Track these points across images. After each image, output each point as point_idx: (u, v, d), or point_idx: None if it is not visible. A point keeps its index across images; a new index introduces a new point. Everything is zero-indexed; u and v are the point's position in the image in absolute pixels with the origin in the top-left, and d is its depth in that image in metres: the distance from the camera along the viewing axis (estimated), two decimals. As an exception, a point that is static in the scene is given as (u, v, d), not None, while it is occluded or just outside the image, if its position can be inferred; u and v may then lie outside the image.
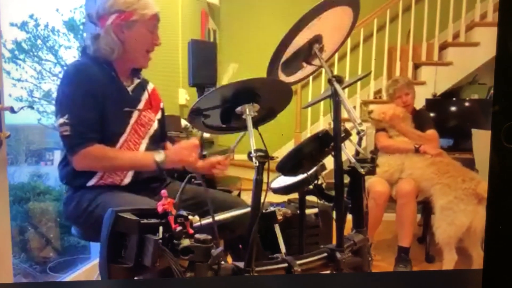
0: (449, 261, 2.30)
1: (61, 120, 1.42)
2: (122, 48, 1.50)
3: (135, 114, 1.56)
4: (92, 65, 1.49)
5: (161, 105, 1.70)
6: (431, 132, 2.67)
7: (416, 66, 3.88)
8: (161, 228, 0.99)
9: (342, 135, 1.24)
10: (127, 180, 1.50)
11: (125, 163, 1.49)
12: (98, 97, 1.46)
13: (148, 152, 1.51)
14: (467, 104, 3.63)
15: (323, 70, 1.29)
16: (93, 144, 1.43)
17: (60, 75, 2.45)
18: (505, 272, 0.87)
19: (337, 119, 1.21)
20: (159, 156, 1.45)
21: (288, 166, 1.28)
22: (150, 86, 1.68)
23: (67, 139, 1.43)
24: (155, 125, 1.62)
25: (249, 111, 1.14)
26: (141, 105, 1.59)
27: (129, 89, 1.58)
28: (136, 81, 1.61)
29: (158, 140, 1.66)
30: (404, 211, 2.46)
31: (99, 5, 1.49)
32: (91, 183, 1.48)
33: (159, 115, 1.66)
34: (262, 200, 1.12)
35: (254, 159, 1.07)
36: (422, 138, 2.61)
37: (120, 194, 1.45)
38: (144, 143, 1.56)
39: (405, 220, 2.46)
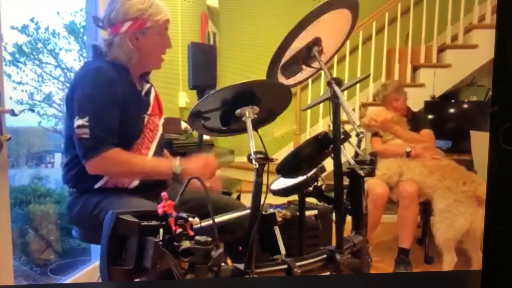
0: (448, 263, 2.30)
1: (80, 122, 1.38)
2: (138, 55, 1.49)
3: (146, 119, 1.56)
4: (111, 68, 1.48)
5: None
6: (426, 132, 2.66)
7: (415, 68, 3.89)
8: (161, 230, 1.00)
9: (342, 137, 1.24)
10: (135, 182, 1.49)
11: (144, 169, 1.47)
12: (119, 101, 1.45)
13: (167, 160, 1.50)
14: (465, 106, 3.63)
15: (323, 72, 1.30)
16: (111, 148, 1.41)
17: (61, 78, 2.46)
18: (504, 273, 0.87)
19: (336, 121, 1.21)
20: (177, 167, 1.44)
21: (287, 168, 1.28)
22: (153, 90, 1.68)
23: (84, 142, 1.39)
24: (160, 130, 1.62)
25: (248, 113, 1.14)
26: (150, 110, 1.59)
27: (142, 93, 1.58)
28: (146, 85, 1.61)
29: (163, 145, 1.65)
30: (406, 212, 2.45)
31: (109, 11, 1.48)
32: (98, 184, 1.47)
33: (162, 120, 1.66)
34: (262, 202, 1.12)
35: (253, 161, 1.08)
36: (417, 138, 2.61)
37: (125, 198, 1.44)
38: (153, 148, 1.56)
39: (407, 221, 2.46)
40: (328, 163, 1.31)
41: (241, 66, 3.76)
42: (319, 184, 1.37)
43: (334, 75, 1.24)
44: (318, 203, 1.40)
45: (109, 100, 1.43)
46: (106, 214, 1.34)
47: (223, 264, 1.06)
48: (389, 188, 2.55)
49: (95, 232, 1.48)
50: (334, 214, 1.24)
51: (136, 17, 1.46)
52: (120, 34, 1.47)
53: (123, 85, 1.48)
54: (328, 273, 1.22)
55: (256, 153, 1.08)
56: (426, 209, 2.63)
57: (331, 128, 1.23)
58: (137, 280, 1.06)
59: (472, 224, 2.25)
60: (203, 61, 2.46)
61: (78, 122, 1.39)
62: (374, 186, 2.52)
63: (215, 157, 1.56)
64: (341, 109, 1.22)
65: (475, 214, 2.26)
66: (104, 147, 1.39)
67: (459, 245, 2.33)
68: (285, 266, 1.16)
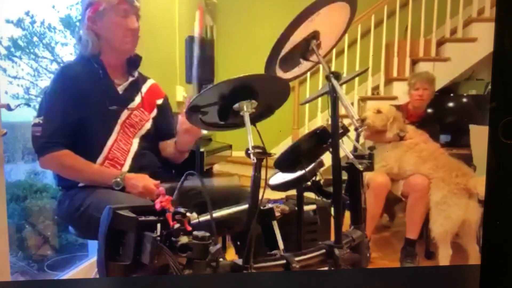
0: (444, 256, 2.31)
1: (36, 120, 1.44)
2: (97, 40, 1.49)
3: (124, 114, 1.54)
4: (80, 65, 1.49)
5: (159, 102, 1.67)
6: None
7: (414, 62, 3.88)
8: (159, 226, 0.99)
9: (340, 131, 1.24)
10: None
11: (88, 176, 1.47)
12: (78, 99, 1.45)
13: (112, 171, 1.48)
14: (464, 100, 3.63)
15: (321, 66, 1.29)
16: (60, 150, 1.43)
17: (57, 72, 2.44)
18: (503, 267, 0.87)
19: (335, 115, 1.21)
20: (119, 182, 1.44)
21: (286, 162, 1.28)
22: (147, 84, 1.65)
23: (37, 140, 1.44)
24: (147, 125, 1.59)
25: (246, 107, 1.13)
26: (133, 105, 1.56)
27: (120, 88, 1.55)
28: (130, 79, 1.58)
29: (153, 140, 1.63)
30: (417, 205, 2.41)
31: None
32: (82, 183, 1.47)
33: (154, 113, 1.63)
34: (260, 197, 1.11)
35: (252, 155, 1.07)
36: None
37: (111, 192, 1.44)
38: (135, 143, 1.55)
39: (417, 213, 2.41)
40: (327, 158, 1.30)
41: (239, 60, 3.74)
42: (317, 178, 1.37)
43: (333, 68, 1.23)
44: (317, 197, 1.40)
45: (66, 99, 1.45)
46: (92, 210, 1.37)
47: (221, 259, 1.05)
48: (391, 180, 2.53)
49: (83, 227, 1.49)
50: (332, 209, 1.24)
51: (91, 2, 1.48)
52: (83, 24, 1.49)
53: (90, 80, 1.48)
54: (326, 268, 1.21)
55: (254, 147, 1.07)
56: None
57: (330, 122, 1.22)
58: (134, 275, 1.05)
59: (466, 215, 2.27)
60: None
61: (35, 120, 1.44)
62: (375, 177, 2.49)
63: (157, 184, 1.46)
64: (340, 103, 1.21)
65: (467, 205, 2.28)
66: (53, 148, 1.43)
67: (454, 239, 2.33)
68: (284, 261, 1.15)
